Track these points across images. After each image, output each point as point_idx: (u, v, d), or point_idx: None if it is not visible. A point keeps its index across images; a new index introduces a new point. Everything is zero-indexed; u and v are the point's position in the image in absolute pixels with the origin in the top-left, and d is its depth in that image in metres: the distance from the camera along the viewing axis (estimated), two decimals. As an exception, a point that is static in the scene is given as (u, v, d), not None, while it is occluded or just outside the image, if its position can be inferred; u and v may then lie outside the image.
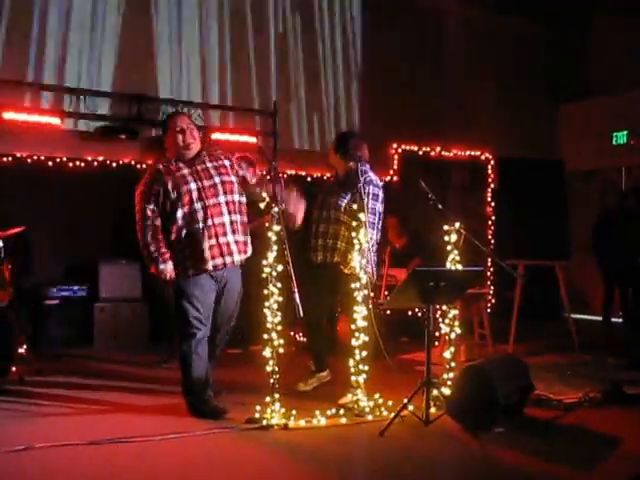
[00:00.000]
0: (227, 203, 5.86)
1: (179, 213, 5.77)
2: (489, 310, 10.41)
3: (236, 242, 5.86)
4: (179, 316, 5.87)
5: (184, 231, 5.79)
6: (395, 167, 11.39)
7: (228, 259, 5.82)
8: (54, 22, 9.31)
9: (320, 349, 6.74)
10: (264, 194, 5.82)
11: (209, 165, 5.92)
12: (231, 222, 5.85)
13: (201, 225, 5.76)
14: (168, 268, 5.78)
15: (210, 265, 5.78)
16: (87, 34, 9.51)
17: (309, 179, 10.27)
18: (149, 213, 5.79)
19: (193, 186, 5.80)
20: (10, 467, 4.65)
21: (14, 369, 6.77)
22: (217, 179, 5.86)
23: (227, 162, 6.00)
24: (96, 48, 9.56)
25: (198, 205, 5.77)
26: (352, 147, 6.57)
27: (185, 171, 5.85)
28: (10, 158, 9.10)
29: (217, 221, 5.79)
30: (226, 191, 5.87)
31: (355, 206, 6.09)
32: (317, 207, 6.59)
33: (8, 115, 9.01)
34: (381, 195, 6.47)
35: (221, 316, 6.03)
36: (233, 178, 5.95)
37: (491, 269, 11.52)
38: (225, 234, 5.81)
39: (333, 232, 6.43)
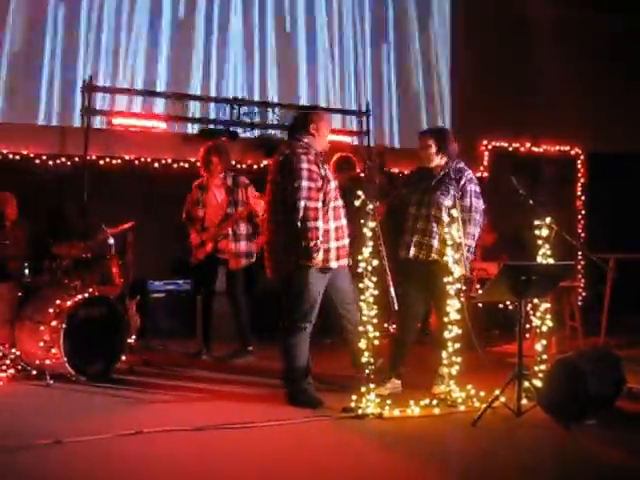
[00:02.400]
0: (342, 207, 5.96)
1: (331, 205, 5.84)
2: (580, 303, 10.22)
3: (344, 246, 5.93)
4: (295, 306, 5.83)
5: (329, 225, 5.83)
6: (485, 163, 11.27)
7: (342, 262, 5.92)
8: (164, 30, 9.50)
9: (404, 352, 6.52)
10: (359, 192, 5.80)
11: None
12: (344, 226, 5.94)
13: (334, 225, 5.86)
14: (321, 256, 5.75)
15: (334, 264, 5.84)
16: (190, 40, 9.67)
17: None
18: (319, 194, 5.75)
19: (333, 185, 5.88)
20: (121, 450, 4.77)
21: (124, 359, 6.93)
22: (335, 183, 5.94)
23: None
24: (196, 53, 9.70)
25: (332, 204, 5.85)
26: (451, 144, 6.44)
27: (326, 166, 5.93)
28: (119, 160, 9.36)
29: (340, 223, 5.90)
30: (338, 196, 5.96)
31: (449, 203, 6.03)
32: (414, 204, 6.38)
33: (117, 121, 9.26)
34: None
35: (340, 300, 6.02)
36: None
37: (582, 262, 11.29)
38: (344, 237, 5.92)
39: (431, 229, 6.23)
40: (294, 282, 5.81)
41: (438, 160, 6.38)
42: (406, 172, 9.15)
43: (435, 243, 6.18)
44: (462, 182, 6.24)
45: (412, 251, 6.26)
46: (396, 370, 6.39)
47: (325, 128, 6.00)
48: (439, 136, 6.44)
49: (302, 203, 5.62)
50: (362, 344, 5.58)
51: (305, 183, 5.64)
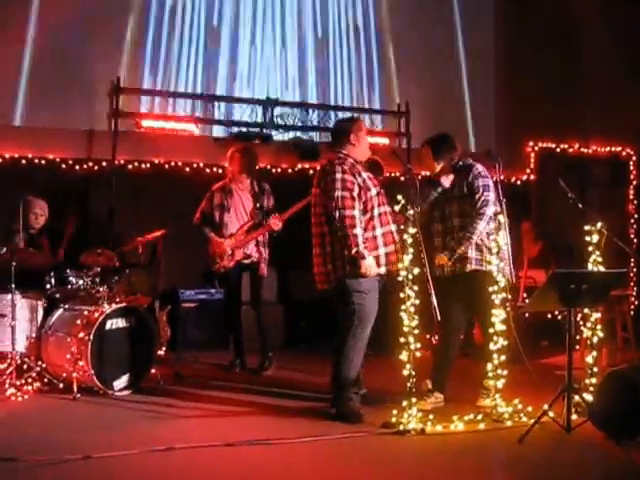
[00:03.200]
0: (391, 213, 6.07)
1: (376, 212, 5.98)
2: (633, 312, 10.12)
3: (395, 252, 5.96)
4: (348, 316, 5.93)
5: (368, 234, 5.91)
6: (532, 166, 11.21)
7: (395, 267, 5.92)
8: (191, 33, 9.57)
9: (447, 366, 6.50)
10: (399, 197, 5.83)
11: (369, 175, 6.12)
12: (393, 232, 6.02)
13: (382, 231, 5.98)
14: (372, 262, 5.85)
15: (384, 270, 5.94)
16: (220, 42, 9.73)
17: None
18: (355, 203, 5.90)
19: (374, 192, 6.01)
20: (151, 466, 4.80)
21: (154, 371, 6.97)
22: (377, 190, 6.06)
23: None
24: (227, 55, 9.75)
25: (376, 211, 5.99)
26: (447, 149, 6.50)
27: (364, 175, 6.03)
28: (148, 165, 9.42)
29: (393, 228, 6.02)
30: (384, 202, 6.09)
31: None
32: (438, 220, 6.40)
33: (146, 123, 9.32)
34: None
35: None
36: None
37: (635, 270, 11.18)
38: (394, 242, 5.98)
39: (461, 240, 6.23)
40: (346, 292, 5.92)
41: (438, 167, 6.46)
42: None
43: (471, 253, 6.17)
44: (470, 178, 6.28)
45: (447, 268, 6.26)
46: (439, 385, 6.38)
47: (365, 137, 6.20)
48: (434, 144, 6.52)
49: (338, 213, 5.80)
50: (403, 356, 5.58)
51: (339, 193, 5.83)
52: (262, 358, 7.92)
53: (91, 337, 6.55)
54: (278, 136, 10.03)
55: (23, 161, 8.94)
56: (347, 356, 5.91)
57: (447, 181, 6.35)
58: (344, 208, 5.81)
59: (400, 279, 5.69)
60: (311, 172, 9.75)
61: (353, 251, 5.75)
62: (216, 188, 8.06)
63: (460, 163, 6.43)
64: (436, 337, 7.64)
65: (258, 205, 7.96)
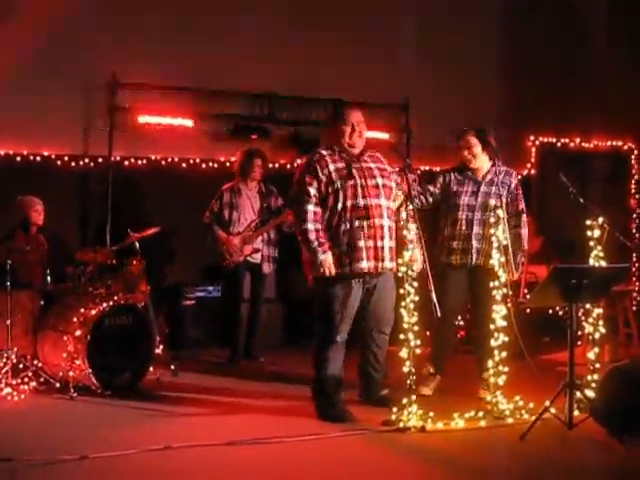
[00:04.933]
0: (387, 208, 5.85)
1: (339, 206, 5.78)
2: (635, 308, 10.12)
3: (390, 248, 5.82)
4: (323, 318, 5.87)
5: (343, 227, 5.78)
6: (532, 160, 11.20)
7: (380, 264, 5.78)
8: (186, 25, 9.54)
9: (447, 349, 6.70)
10: (399, 192, 5.83)
11: (372, 165, 5.92)
12: (389, 227, 5.82)
13: (364, 223, 5.74)
14: (328, 260, 5.72)
15: (364, 266, 5.74)
16: (217, 34, 9.69)
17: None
18: (313, 199, 5.80)
19: (358, 182, 5.79)
20: (149, 466, 4.79)
21: (151, 369, 6.96)
22: (380, 180, 5.86)
23: (389, 167, 5.99)
24: (224, 48, 9.71)
25: (361, 202, 5.76)
26: (492, 142, 6.51)
27: (348, 165, 5.86)
28: (145, 161, 9.40)
29: (377, 222, 5.76)
30: (387, 195, 5.87)
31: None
32: (464, 208, 6.47)
33: (143, 119, 9.28)
34: None
35: (372, 319, 5.98)
36: (393, 184, 5.95)
37: (637, 265, 11.18)
38: (383, 238, 5.78)
39: (489, 235, 6.24)
40: (316, 291, 5.93)
41: (481, 159, 6.46)
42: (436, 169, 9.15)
43: (493, 248, 6.19)
44: (512, 185, 6.41)
45: (474, 258, 6.41)
46: (439, 367, 6.59)
47: (347, 125, 5.94)
48: (482, 134, 6.51)
49: (294, 209, 5.95)
50: (403, 353, 5.58)
51: (295, 188, 5.93)
52: (252, 349, 8.31)
53: (88, 335, 6.55)
54: (277, 130, 10.02)
55: (18, 158, 8.91)
56: (323, 358, 5.88)
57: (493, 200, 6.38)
58: (298, 202, 5.84)
59: (400, 275, 5.69)
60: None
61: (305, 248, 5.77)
62: (226, 188, 8.34)
63: (500, 165, 6.52)
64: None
65: (265, 205, 8.32)
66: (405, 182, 5.85)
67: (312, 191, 5.79)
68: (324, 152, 5.91)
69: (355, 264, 5.73)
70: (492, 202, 6.32)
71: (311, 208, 5.77)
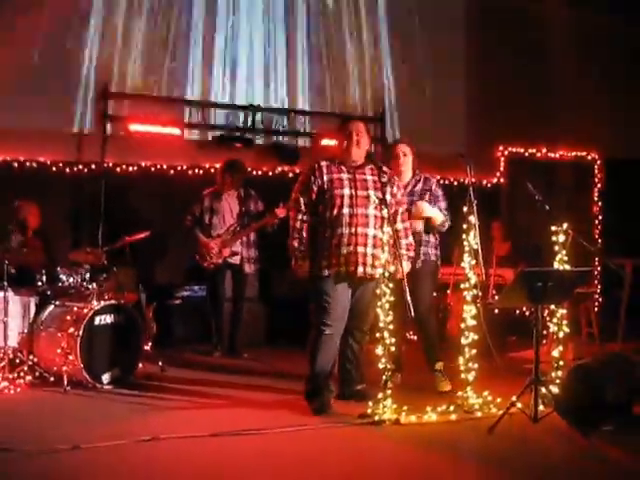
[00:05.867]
0: (375, 217, 5.88)
1: (327, 214, 5.89)
2: (597, 309, 10.21)
3: (373, 255, 5.83)
4: (315, 312, 5.94)
5: (328, 232, 5.88)
6: (502, 169, 11.27)
7: (360, 269, 5.82)
8: (178, 39, 9.56)
9: (435, 342, 6.77)
10: (374, 197, 5.86)
11: (369, 177, 5.98)
12: (374, 236, 5.86)
13: (345, 230, 5.83)
14: (304, 267, 5.93)
15: (343, 270, 5.83)
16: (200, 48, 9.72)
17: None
18: (303, 207, 5.98)
19: (347, 192, 5.88)
20: (138, 456, 4.80)
21: (141, 365, 6.98)
22: (372, 192, 5.91)
23: (385, 179, 5.98)
24: (209, 61, 9.74)
25: (346, 211, 5.85)
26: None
27: (344, 175, 5.95)
28: (135, 167, 9.42)
29: (360, 231, 5.83)
30: (376, 206, 5.90)
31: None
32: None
33: (134, 127, 9.30)
34: None
35: (351, 318, 6.02)
36: (388, 197, 5.92)
37: (599, 268, 11.26)
38: (365, 245, 5.83)
39: (419, 240, 6.51)
40: (309, 289, 6.01)
41: (410, 171, 6.69)
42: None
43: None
44: (433, 187, 6.66)
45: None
46: (436, 361, 6.66)
47: (347, 137, 6.04)
48: (413, 146, 6.77)
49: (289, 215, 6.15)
50: (379, 350, 5.61)
51: (294, 195, 6.09)
52: (233, 344, 8.43)
53: (80, 332, 6.56)
54: (259, 140, 10.07)
55: (15, 164, 8.90)
56: (313, 349, 5.92)
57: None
58: (291, 210, 6.10)
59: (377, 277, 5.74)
60: (290, 175, 9.78)
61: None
62: (207, 193, 8.44)
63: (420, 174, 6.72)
64: (411, 333, 7.70)
65: (244, 209, 8.39)
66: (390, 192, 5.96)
67: (302, 201, 5.98)
68: (323, 163, 6.03)
69: (336, 267, 5.83)
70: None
71: (299, 217, 5.99)
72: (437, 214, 6.56)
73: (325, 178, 5.94)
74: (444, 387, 6.43)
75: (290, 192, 6.19)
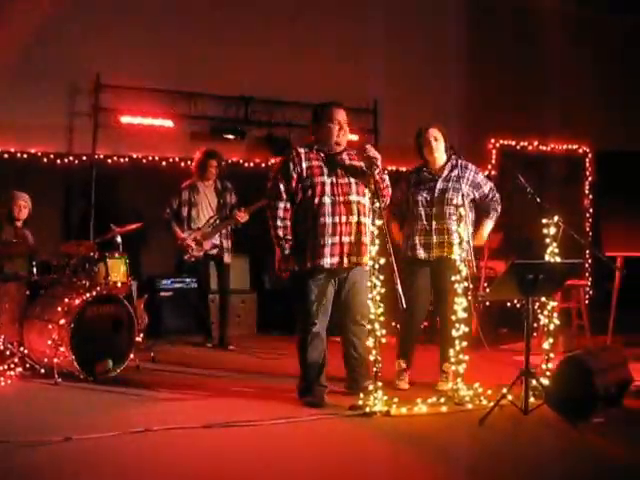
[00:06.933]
0: (358, 203, 5.78)
1: (308, 203, 5.74)
2: (588, 301, 10.23)
3: (358, 243, 5.75)
4: (299, 309, 5.87)
5: (310, 222, 5.74)
6: (493, 162, 11.28)
7: (346, 259, 5.74)
8: (169, 31, 9.52)
9: (414, 341, 6.63)
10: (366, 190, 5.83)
11: (348, 163, 5.86)
12: (358, 223, 5.75)
13: (328, 220, 5.70)
14: (292, 259, 5.77)
15: (327, 262, 5.71)
16: (198, 39, 9.68)
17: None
18: (283, 195, 5.77)
19: (327, 179, 5.74)
20: (129, 447, 4.79)
21: (132, 356, 6.96)
22: (352, 179, 5.80)
23: (364, 164, 5.82)
24: (203, 51, 9.70)
25: (327, 199, 5.70)
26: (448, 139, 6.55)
27: (323, 162, 5.81)
28: (127, 159, 9.40)
29: (344, 219, 5.72)
30: (359, 192, 5.80)
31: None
32: (423, 204, 6.40)
33: (125, 119, 9.28)
34: None
35: (345, 311, 5.93)
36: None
37: (589, 261, 11.29)
38: (350, 234, 5.73)
39: (449, 228, 6.31)
40: (292, 285, 5.95)
41: (444, 155, 6.46)
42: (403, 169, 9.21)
43: (453, 241, 6.25)
44: (471, 175, 6.44)
45: (432, 252, 6.35)
46: (409, 360, 6.53)
47: (329, 121, 5.86)
48: (445, 130, 6.57)
49: (268, 204, 5.93)
50: (369, 342, 5.62)
51: (272, 182, 5.89)
52: (225, 337, 8.46)
53: (72, 324, 6.54)
54: (252, 132, 10.05)
55: (6, 155, 8.87)
56: (302, 345, 5.87)
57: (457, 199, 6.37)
58: (270, 199, 5.87)
59: (367, 269, 5.71)
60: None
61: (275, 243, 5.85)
62: (184, 186, 8.50)
63: (457, 159, 6.50)
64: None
65: (222, 201, 8.49)
66: (373, 181, 5.80)
67: (282, 188, 5.78)
68: (300, 150, 5.86)
69: (320, 259, 5.71)
70: (454, 199, 6.33)
71: (281, 205, 5.78)
72: (490, 227, 6.62)
73: (304, 165, 5.77)
74: (442, 387, 6.36)
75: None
